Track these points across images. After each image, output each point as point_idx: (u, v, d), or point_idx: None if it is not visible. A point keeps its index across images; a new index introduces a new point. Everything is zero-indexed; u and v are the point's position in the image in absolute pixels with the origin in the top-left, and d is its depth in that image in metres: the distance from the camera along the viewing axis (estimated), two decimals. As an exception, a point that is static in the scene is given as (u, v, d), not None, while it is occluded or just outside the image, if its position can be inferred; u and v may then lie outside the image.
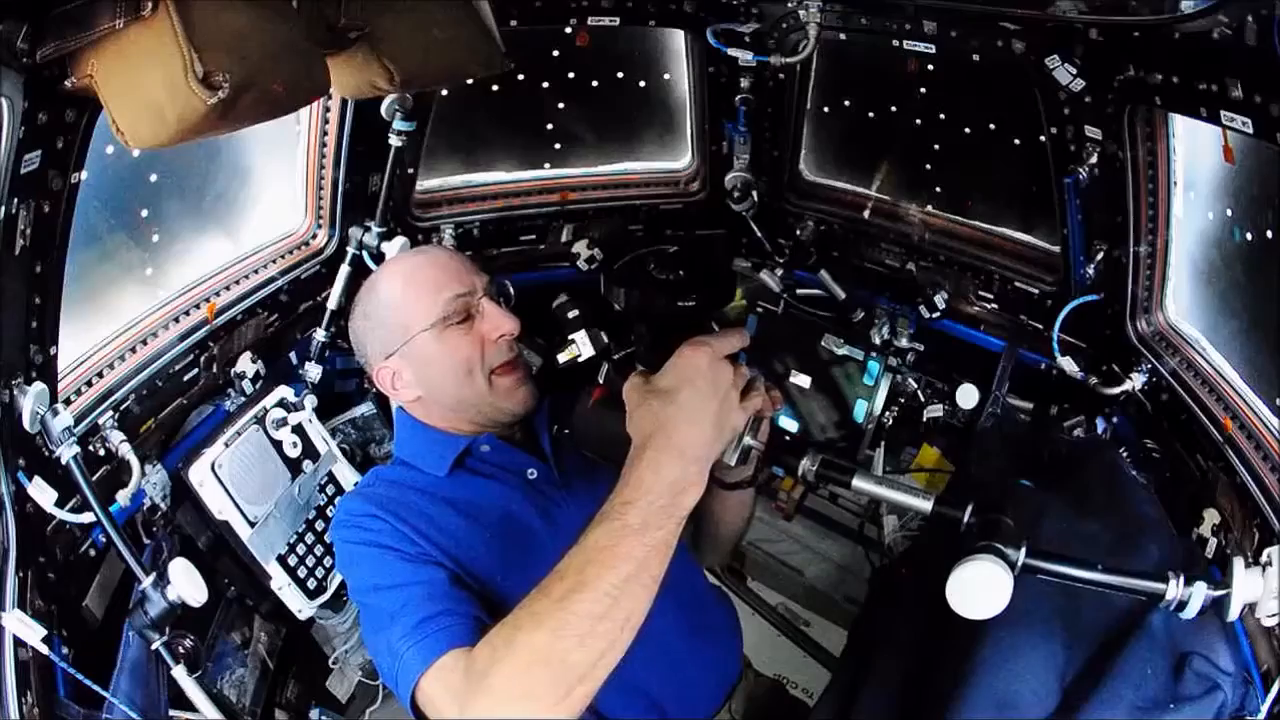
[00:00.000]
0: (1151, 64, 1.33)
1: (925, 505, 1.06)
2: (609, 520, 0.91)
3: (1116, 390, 1.77)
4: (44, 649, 1.15)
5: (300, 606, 1.77)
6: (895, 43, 1.81)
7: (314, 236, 1.98)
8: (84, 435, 1.37)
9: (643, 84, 2.30)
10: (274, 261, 1.90)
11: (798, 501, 2.51)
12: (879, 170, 2.27)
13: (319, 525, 1.85)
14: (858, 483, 1.10)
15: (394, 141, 1.84)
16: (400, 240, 1.91)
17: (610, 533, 0.90)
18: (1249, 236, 1.47)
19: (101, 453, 1.42)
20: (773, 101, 2.20)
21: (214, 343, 1.72)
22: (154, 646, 1.30)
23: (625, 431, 1.13)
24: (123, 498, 1.42)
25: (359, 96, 1.42)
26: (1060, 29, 1.48)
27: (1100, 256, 1.73)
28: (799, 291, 2.39)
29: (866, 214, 2.29)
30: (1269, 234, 1.40)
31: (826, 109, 2.27)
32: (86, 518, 1.29)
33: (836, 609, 2.56)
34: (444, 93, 2.02)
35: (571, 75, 2.20)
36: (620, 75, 2.26)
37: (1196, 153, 1.54)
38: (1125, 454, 1.74)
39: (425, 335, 1.33)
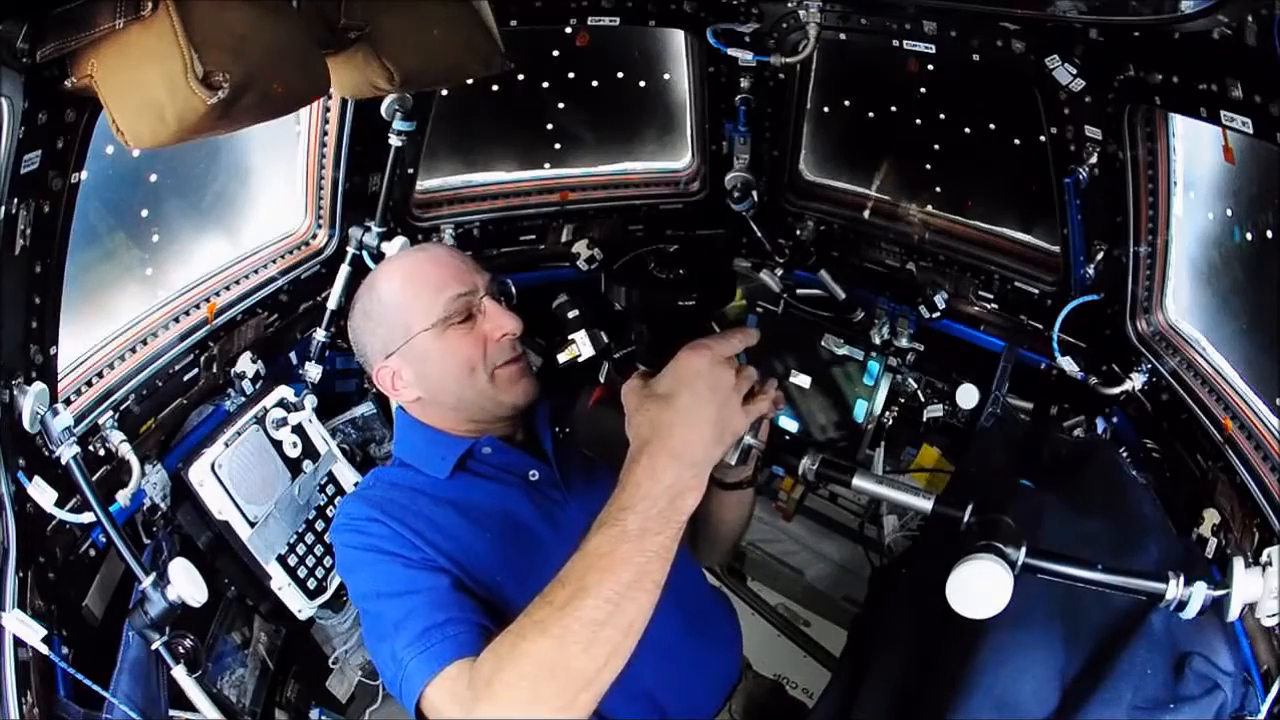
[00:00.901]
0: (1151, 64, 1.33)
1: (925, 505, 1.06)
2: (608, 526, 0.91)
3: (1116, 390, 1.77)
4: (44, 649, 1.15)
5: (300, 606, 1.77)
6: (895, 43, 1.81)
7: (314, 236, 1.98)
8: (84, 435, 1.37)
9: (643, 84, 2.30)
10: (274, 261, 1.90)
11: (798, 501, 2.52)
12: (879, 170, 2.27)
13: (319, 525, 1.85)
14: (858, 482, 1.10)
15: (394, 141, 1.84)
16: (400, 240, 1.91)
17: (609, 539, 0.90)
18: (1249, 236, 1.47)
19: (101, 453, 1.43)
20: (773, 101, 2.20)
21: (214, 343, 1.72)
22: (154, 646, 1.30)
23: (624, 431, 1.13)
24: (123, 498, 1.42)
25: (359, 96, 1.42)
26: (1060, 29, 1.48)
27: (1100, 256, 1.73)
28: (799, 291, 2.39)
29: (866, 214, 2.29)
30: (1269, 234, 1.40)
31: (826, 109, 2.27)
32: (86, 518, 1.29)
33: (836, 609, 2.56)
34: (444, 93, 2.01)
35: (571, 75, 2.20)
36: (620, 75, 2.26)
37: (1196, 153, 1.54)
38: (1125, 454, 1.75)
39: (426, 335, 1.32)
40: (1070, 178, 1.65)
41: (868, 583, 2.30)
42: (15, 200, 1.08)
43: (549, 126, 2.29)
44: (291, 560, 1.76)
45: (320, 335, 1.93)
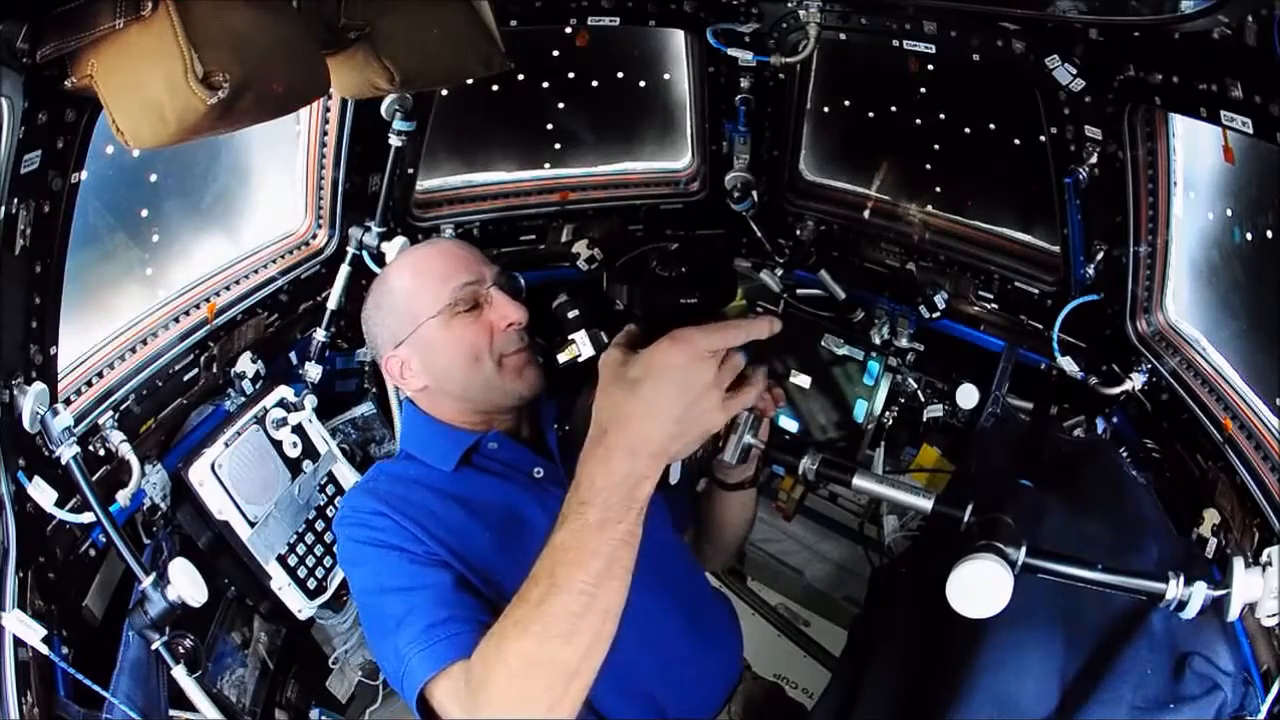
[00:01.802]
0: (1151, 64, 1.33)
1: (926, 504, 1.06)
2: (570, 521, 0.91)
3: (1116, 390, 1.77)
4: (44, 649, 1.15)
5: (300, 606, 1.77)
6: (895, 43, 1.81)
7: (314, 236, 1.98)
8: (84, 435, 1.38)
9: (643, 84, 2.30)
10: (274, 261, 1.90)
11: (798, 501, 2.51)
12: (879, 170, 2.27)
13: (319, 525, 1.84)
14: (858, 481, 1.10)
15: (394, 141, 1.84)
16: (400, 240, 1.91)
17: (573, 533, 0.91)
18: (1249, 236, 1.47)
19: (101, 453, 1.43)
20: (773, 101, 2.20)
21: (214, 343, 1.72)
22: (154, 646, 1.30)
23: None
24: (123, 498, 1.42)
25: (359, 96, 1.42)
26: (1060, 29, 1.48)
27: (1100, 256, 1.73)
28: (799, 291, 2.39)
29: (866, 214, 2.29)
30: (1269, 234, 1.40)
31: (826, 109, 2.27)
32: (86, 518, 1.29)
33: (836, 609, 2.56)
34: (444, 93, 2.01)
35: (571, 75, 2.20)
36: (620, 75, 2.26)
37: (1196, 153, 1.54)
38: (1125, 454, 1.75)
39: (433, 323, 1.33)
40: (1070, 178, 1.65)
41: (868, 583, 2.30)
42: (15, 200, 1.08)
43: (549, 126, 2.29)
44: (291, 560, 1.76)
45: (320, 335, 1.92)
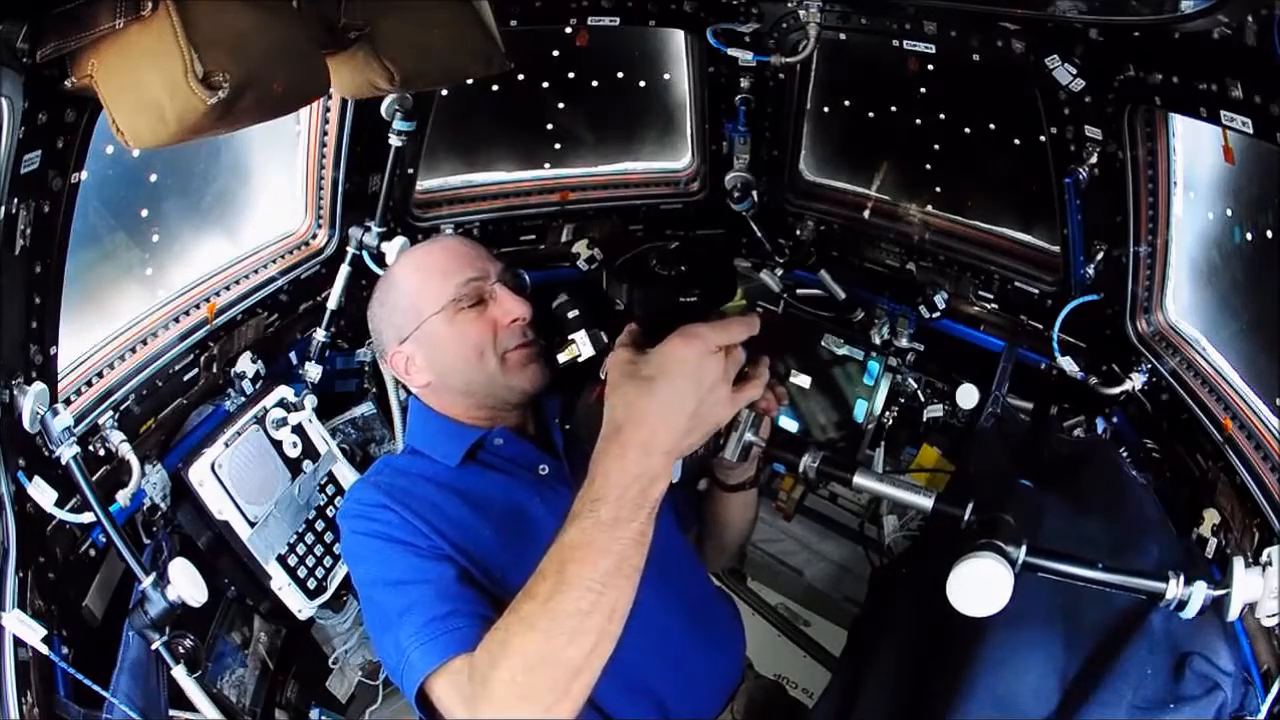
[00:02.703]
0: (1151, 64, 1.33)
1: (926, 503, 1.06)
2: (581, 518, 0.91)
3: (1116, 390, 1.77)
4: (44, 649, 1.15)
5: (300, 606, 1.77)
6: (895, 43, 1.81)
7: (314, 236, 1.98)
8: (84, 435, 1.37)
9: (643, 84, 2.30)
10: (274, 261, 1.90)
11: (798, 501, 2.51)
12: (879, 170, 2.27)
13: (319, 525, 1.84)
14: (858, 479, 1.10)
15: (394, 141, 1.84)
16: (400, 240, 1.91)
17: (584, 530, 0.91)
18: (1249, 236, 1.47)
19: (101, 453, 1.43)
20: (773, 101, 2.20)
21: (214, 343, 1.72)
22: (154, 646, 1.30)
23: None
24: (123, 498, 1.42)
25: (359, 96, 1.42)
26: (1060, 29, 1.48)
27: (1100, 256, 1.73)
28: (799, 291, 2.39)
29: (866, 214, 2.29)
30: (1269, 234, 1.40)
31: (826, 109, 2.27)
32: (86, 518, 1.29)
33: (836, 609, 2.56)
34: (444, 93, 2.01)
35: (571, 75, 2.20)
36: (620, 75, 2.26)
37: (1196, 153, 1.54)
38: (1125, 454, 1.75)
39: (437, 318, 1.34)
40: (1070, 178, 1.65)
41: (868, 583, 2.30)
42: (15, 200, 1.08)
43: (549, 126, 2.29)
44: (291, 560, 1.76)
45: (320, 335, 1.92)
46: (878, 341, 2.23)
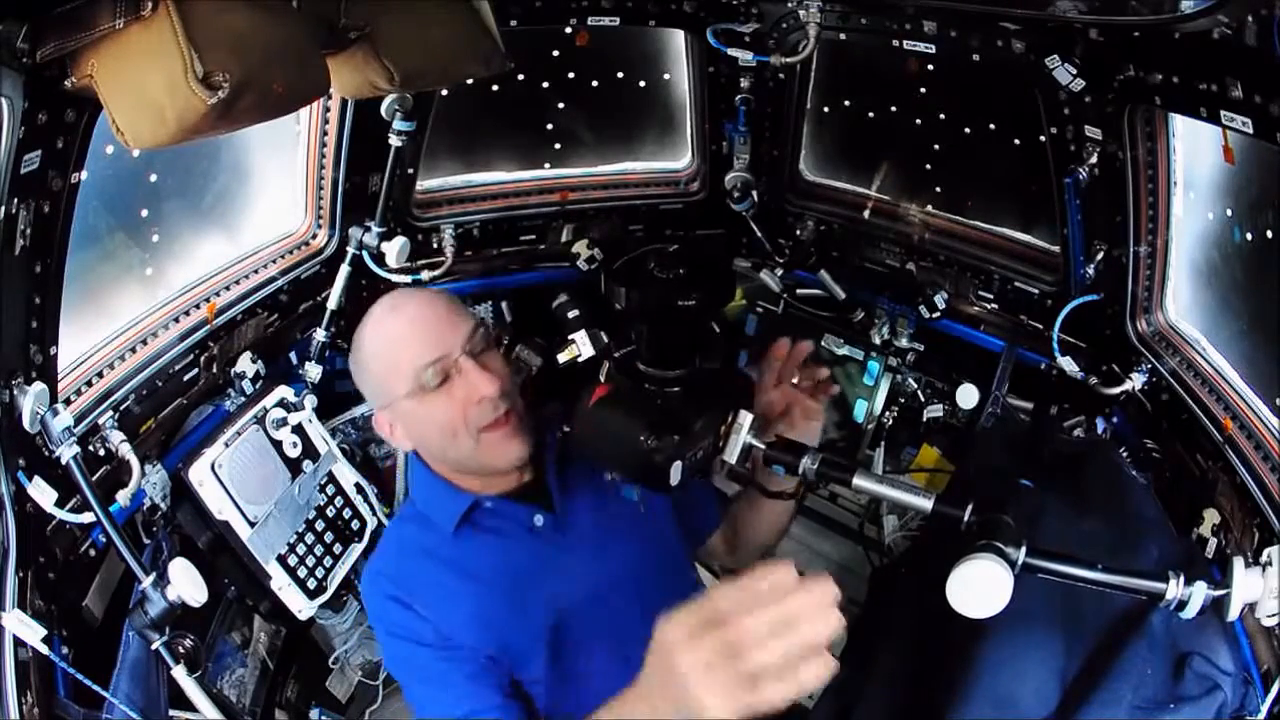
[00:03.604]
0: (1151, 64, 1.33)
1: (925, 504, 1.06)
2: None
3: (1116, 390, 1.77)
4: (44, 649, 1.15)
5: (300, 606, 1.77)
6: (895, 43, 1.81)
7: (314, 236, 1.98)
8: (84, 435, 1.37)
9: (643, 84, 2.30)
10: (274, 261, 1.90)
11: (798, 502, 2.51)
12: (879, 170, 2.27)
13: (319, 525, 1.85)
14: (858, 481, 1.10)
15: (394, 141, 1.84)
16: (400, 240, 1.91)
17: None
18: (1249, 236, 1.47)
19: (101, 453, 1.43)
20: (773, 101, 2.20)
21: (214, 343, 1.72)
22: (154, 646, 1.30)
23: (625, 431, 1.13)
24: (123, 498, 1.42)
25: (359, 96, 1.42)
26: (1060, 29, 1.48)
27: (1100, 256, 1.73)
28: (799, 291, 2.39)
29: (866, 214, 2.29)
30: (1269, 234, 1.40)
31: (826, 109, 2.27)
32: (86, 518, 1.29)
33: (836, 609, 2.55)
34: (444, 93, 2.01)
35: (571, 75, 2.20)
36: (620, 75, 2.26)
37: (1196, 153, 1.54)
38: (1125, 454, 1.74)
39: (407, 401, 1.33)
40: (1070, 178, 1.65)
41: (868, 583, 2.30)
42: (15, 200, 1.08)
43: (549, 126, 2.29)
44: (291, 560, 1.76)
45: (320, 335, 1.92)
46: (878, 341, 2.23)
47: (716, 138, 2.31)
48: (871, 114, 2.20)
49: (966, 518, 1.03)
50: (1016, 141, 1.91)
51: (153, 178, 1.64)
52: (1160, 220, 1.63)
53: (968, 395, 2.11)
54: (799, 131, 2.29)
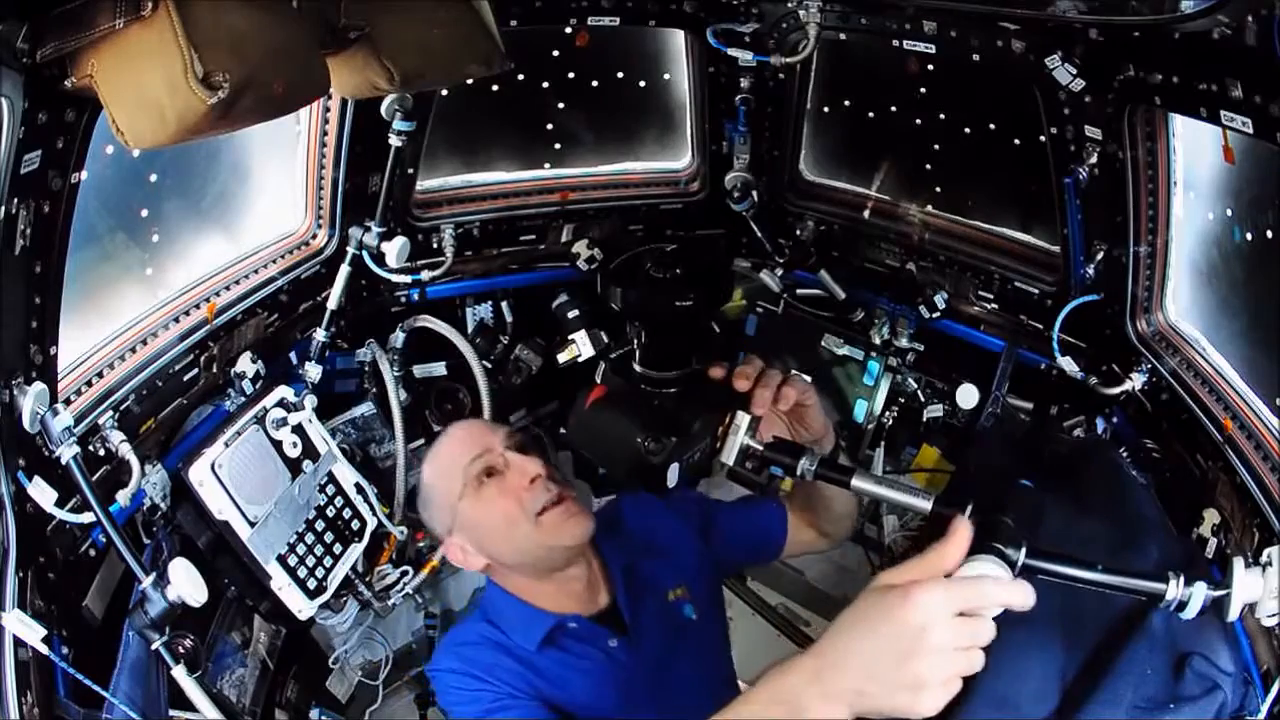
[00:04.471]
0: (1151, 64, 1.33)
1: (924, 505, 1.06)
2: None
3: (1116, 390, 1.77)
4: (44, 649, 1.15)
5: (300, 606, 1.77)
6: (895, 43, 1.81)
7: (314, 236, 1.98)
8: (84, 435, 1.37)
9: (643, 84, 2.30)
10: (274, 261, 1.90)
11: (798, 501, 2.51)
12: (879, 170, 2.27)
13: (319, 525, 1.84)
14: (856, 483, 1.10)
15: (394, 141, 1.84)
16: (400, 240, 1.91)
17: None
18: (1249, 236, 1.47)
19: (101, 453, 1.42)
20: (773, 101, 2.20)
21: (214, 343, 1.72)
22: (154, 646, 1.30)
23: (622, 433, 1.12)
24: (123, 498, 1.42)
25: (359, 96, 1.42)
26: (1060, 29, 1.48)
27: (1100, 256, 1.73)
28: (799, 291, 2.39)
29: (866, 214, 2.29)
30: (1269, 234, 1.40)
31: (826, 109, 2.27)
32: (86, 518, 1.29)
33: (836, 609, 2.54)
34: (444, 93, 2.01)
35: (571, 75, 2.20)
36: (620, 75, 2.26)
37: (1196, 153, 1.54)
38: (1125, 454, 1.74)
39: (464, 503, 1.40)
40: (1070, 178, 1.66)
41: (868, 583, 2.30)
42: (15, 200, 1.08)
43: (549, 126, 2.29)
44: (291, 560, 1.75)
45: (320, 335, 1.92)
46: (878, 341, 2.23)
47: (716, 138, 2.31)
48: (871, 114, 2.20)
49: (965, 519, 1.03)
50: (1016, 141, 1.91)
51: (153, 178, 1.64)
52: (1160, 220, 1.63)
53: (968, 395, 2.11)
54: (799, 131, 2.30)
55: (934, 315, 2.14)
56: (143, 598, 1.30)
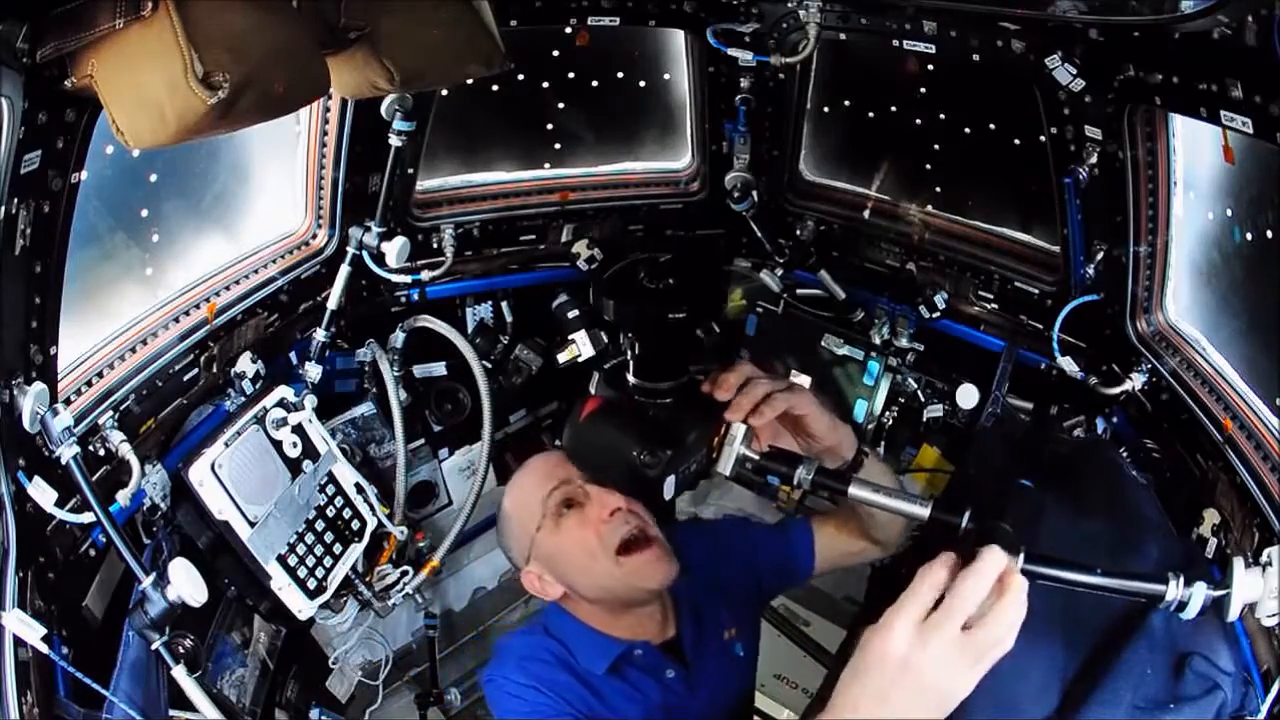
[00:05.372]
0: (1151, 64, 1.33)
1: (922, 512, 1.06)
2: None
3: (1116, 390, 1.77)
4: (44, 649, 1.15)
5: (300, 606, 1.77)
6: (895, 43, 1.81)
7: (314, 236, 1.98)
8: (84, 435, 1.37)
9: (643, 84, 2.30)
10: (274, 261, 1.90)
11: (798, 502, 2.51)
12: (879, 170, 2.27)
13: (319, 525, 1.84)
14: (854, 491, 1.10)
15: (394, 141, 1.84)
16: (400, 240, 1.91)
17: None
18: (1249, 236, 1.47)
19: (101, 453, 1.43)
20: (773, 101, 2.20)
21: (214, 343, 1.72)
22: (154, 646, 1.30)
23: (617, 446, 1.12)
24: (123, 498, 1.42)
25: (359, 96, 1.42)
26: (1060, 29, 1.48)
27: (1100, 256, 1.73)
28: (799, 291, 2.39)
29: (866, 214, 2.29)
30: (1269, 234, 1.40)
31: (826, 109, 2.27)
32: (86, 518, 1.29)
33: (836, 609, 2.56)
34: (444, 93, 2.01)
35: (571, 75, 2.20)
36: (620, 75, 2.26)
37: (1196, 153, 1.54)
38: (1125, 454, 1.74)
39: (542, 533, 1.41)
40: (1070, 178, 1.65)
41: (867, 582, 2.30)
42: (15, 200, 1.08)
43: (549, 126, 2.29)
44: (291, 560, 1.76)
45: (320, 335, 1.93)
46: (878, 341, 2.23)
47: (716, 138, 2.31)
48: (871, 114, 2.20)
49: (964, 524, 1.03)
50: (1016, 141, 1.91)
51: (153, 178, 1.64)
52: (1160, 220, 1.63)
53: (968, 395, 2.11)
54: (799, 131, 2.29)
55: (934, 315, 2.14)
56: (143, 598, 1.30)
